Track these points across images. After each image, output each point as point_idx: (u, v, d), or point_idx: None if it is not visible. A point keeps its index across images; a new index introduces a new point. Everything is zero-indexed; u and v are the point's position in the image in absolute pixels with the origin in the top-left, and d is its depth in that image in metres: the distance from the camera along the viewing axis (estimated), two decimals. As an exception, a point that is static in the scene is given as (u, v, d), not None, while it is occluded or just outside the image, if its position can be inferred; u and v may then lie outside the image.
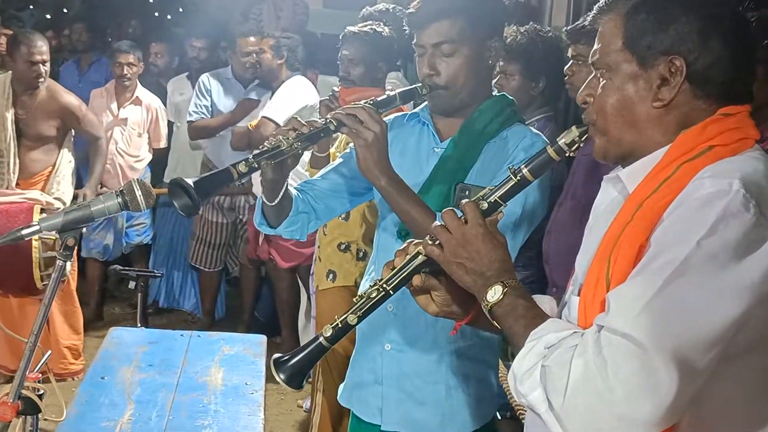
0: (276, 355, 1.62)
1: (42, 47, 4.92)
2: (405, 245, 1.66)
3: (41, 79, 4.92)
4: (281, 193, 2.23)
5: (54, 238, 4.23)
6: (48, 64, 4.98)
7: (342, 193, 2.44)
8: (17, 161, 4.93)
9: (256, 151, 2.06)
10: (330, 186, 2.43)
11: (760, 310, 1.32)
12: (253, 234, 5.49)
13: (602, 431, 1.29)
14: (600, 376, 1.27)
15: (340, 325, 1.61)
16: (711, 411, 1.38)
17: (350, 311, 1.61)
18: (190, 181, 1.90)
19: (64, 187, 5.08)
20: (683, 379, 1.26)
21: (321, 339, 1.61)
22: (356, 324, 1.62)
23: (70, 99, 5.15)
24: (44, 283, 4.61)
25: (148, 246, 6.41)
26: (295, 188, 2.37)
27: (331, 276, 3.88)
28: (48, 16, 9.60)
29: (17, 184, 4.95)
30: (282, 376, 1.59)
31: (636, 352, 1.26)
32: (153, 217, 6.34)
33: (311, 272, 4.30)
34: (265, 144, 2.06)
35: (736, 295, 1.30)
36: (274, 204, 2.24)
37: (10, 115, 4.89)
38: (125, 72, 5.89)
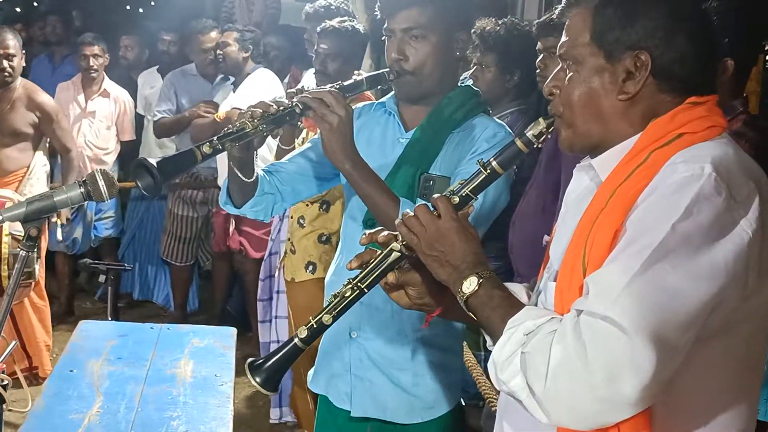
0: (250, 359, 1.62)
1: (7, 41, 4.92)
2: (370, 233, 1.67)
3: (5, 74, 4.91)
4: (252, 173, 2.24)
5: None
6: (16, 59, 4.97)
7: (309, 177, 2.46)
8: None
9: (220, 133, 2.06)
10: (297, 169, 2.44)
11: (732, 291, 1.36)
12: (221, 225, 5.48)
13: (584, 413, 1.31)
14: (579, 359, 1.29)
15: (315, 326, 1.62)
16: (684, 391, 1.42)
17: (325, 311, 1.62)
18: (153, 162, 1.91)
19: (37, 189, 5.07)
20: (662, 360, 1.28)
21: (296, 340, 1.61)
22: (331, 324, 1.63)
23: (47, 99, 5.17)
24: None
25: (118, 240, 6.39)
26: (262, 170, 2.38)
27: (311, 268, 3.89)
28: (18, 9, 9.50)
29: None
30: (258, 380, 1.59)
31: (616, 334, 1.28)
32: (122, 211, 6.31)
33: (279, 266, 4.30)
34: (230, 126, 2.07)
35: (711, 277, 1.33)
36: (243, 182, 2.25)
37: None
38: (91, 63, 5.86)
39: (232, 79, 5.85)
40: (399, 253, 1.62)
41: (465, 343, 2.81)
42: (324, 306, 1.64)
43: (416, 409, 2.38)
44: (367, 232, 1.68)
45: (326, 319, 1.62)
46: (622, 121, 1.52)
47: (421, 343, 2.37)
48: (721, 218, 1.36)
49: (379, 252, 1.65)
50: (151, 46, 6.73)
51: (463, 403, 2.53)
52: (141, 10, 10.10)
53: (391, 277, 1.64)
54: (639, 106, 1.51)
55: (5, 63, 4.90)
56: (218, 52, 5.52)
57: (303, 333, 1.61)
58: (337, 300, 1.63)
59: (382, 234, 1.66)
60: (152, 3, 9.98)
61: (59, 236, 5.43)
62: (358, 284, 1.63)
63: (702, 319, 1.34)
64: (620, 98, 1.51)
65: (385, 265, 1.63)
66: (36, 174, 5.14)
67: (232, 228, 5.28)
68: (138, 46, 6.67)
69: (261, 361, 1.61)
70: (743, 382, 1.50)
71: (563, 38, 1.59)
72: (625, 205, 1.43)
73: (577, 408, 1.31)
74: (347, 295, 1.63)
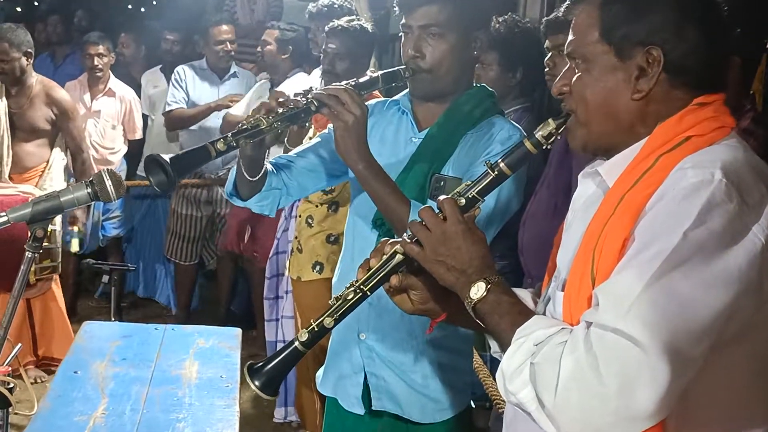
0: (250, 362, 1.60)
1: (8, 43, 4.96)
2: (380, 245, 1.64)
3: (4, 74, 4.96)
4: (261, 171, 2.23)
5: (50, 229, 4.20)
6: (16, 62, 4.99)
7: (318, 173, 2.43)
8: (10, 153, 4.99)
9: (234, 130, 2.04)
10: (306, 165, 2.42)
11: (747, 299, 1.33)
12: (235, 228, 5.43)
13: (596, 427, 1.29)
14: (592, 372, 1.27)
15: (316, 329, 1.58)
16: (699, 400, 1.39)
17: (326, 314, 1.59)
18: (166, 158, 1.89)
19: (56, 184, 5.10)
20: (676, 371, 1.25)
21: (296, 344, 1.58)
22: (333, 327, 1.59)
23: (65, 96, 5.23)
24: (37, 277, 4.59)
25: (122, 239, 6.37)
26: (269, 163, 2.36)
27: (318, 268, 3.88)
28: (18, 9, 9.51)
29: (11, 178, 4.98)
30: (257, 383, 1.56)
31: (628, 347, 1.26)
32: (129, 210, 6.29)
33: (285, 265, 4.28)
34: (244, 122, 2.05)
35: (725, 285, 1.30)
36: (252, 177, 2.23)
37: (2, 107, 4.95)
38: (96, 63, 5.84)
39: (240, 76, 5.87)
40: (403, 256, 1.58)
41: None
42: (326, 309, 1.60)
43: (428, 408, 2.36)
44: (372, 256, 1.64)
45: (328, 322, 1.59)
46: (637, 122, 1.49)
47: (430, 345, 2.35)
48: (733, 224, 1.33)
49: (382, 254, 1.61)
50: (153, 45, 6.72)
51: (473, 405, 2.51)
52: (143, 9, 10.10)
53: (394, 280, 1.60)
54: (653, 106, 1.48)
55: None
56: (227, 47, 5.57)
57: (304, 336, 1.58)
58: (339, 303, 1.60)
59: (389, 243, 1.62)
60: (154, 2, 9.97)
61: (74, 247, 5.44)
62: (361, 287, 1.60)
63: (717, 329, 1.31)
64: (634, 97, 1.48)
65: (389, 267, 1.59)
66: (55, 169, 5.18)
67: (247, 235, 5.22)
68: (135, 43, 6.66)
69: (260, 364, 1.58)
70: (760, 390, 1.45)
71: (570, 36, 1.55)
72: (633, 213, 1.40)
73: (589, 421, 1.29)
74: (349, 297, 1.59)
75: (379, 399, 2.38)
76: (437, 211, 1.56)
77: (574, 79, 1.54)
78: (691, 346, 1.28)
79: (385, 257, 1.60)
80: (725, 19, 1.50)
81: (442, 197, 1.57)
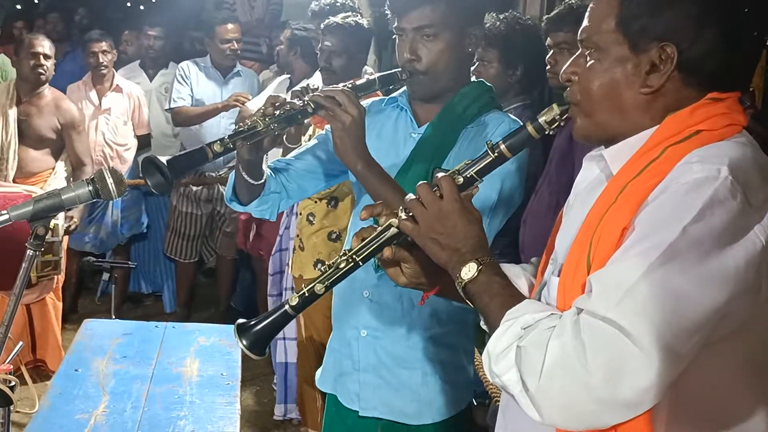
0: (240, 321, 1.59)
1: (45, 42, 5.09)
2: (371, 207, 1.64)
3: (43, 74, 5.04)
4: (261, 175, 2.22)
5: (53, 225, 4.18)
6: (51, 61, 5.10)
7: (317, 174, 2.43)
8: (16, 158, 5.04)
9: (231, 132, 2.04)
10: (305, 167, 2.42)
11: (744, 298, 1.32)
12: (244, 226, 5.43)
13: (578, 413, 1.28)
14: (578, 359, 1.26)
15: (306, 294, 1.58)
16: (692, 395, 1.38)
17: (318, 280, 1.59)
18: (163, 159, 1.90)
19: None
20: (664, 365, 1.25)
21: (287, 307, 1.58)
22: (323, 293, 1.59)
23: (73, 107, 5.28)
24: (38, 273, 4.59)
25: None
26: (268, 166, 2.35)
27: (319, 265, 3.88)
28: (18, 7, 9.51)
29: (14, 182, 5.00)
30: (245, 342, 1.56)
31: (617, 336, 1.25)
32: (143, 207, 6.27)
33: (287, 262, 4.28)
34: (241, 125, 2.05)
35: (720, 283, 1.29)
36: (251, 182, 2.23)
37: (13, 113, 5.02)
38: (101, 60, 5.81)
39: (243, 75, 5.86)
40: (397, 229, 1.57)
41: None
42: (318, 275, 1.60)
43: (425, 410, 2.35)
44: (367, 206, 1.65)
45: (318, 288, 1.58)
46: (643, 115, 1.48)
47: (431, 342, 2.34)
48: (734, 223, 1.31)
49: (378, 226, 1.61)
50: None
51: (474, 404, 2.51)
52: (142, 8, 10.11)
53: (387, 252, 1.59)
54: (662, 101, 1.46)
55: (43, 61, 5.02)
56: (234, 46, 5.63)
57: (294, 300, 1.58)
58: (331, 270, 1.59)
59: (385, 214, 1.61)
60: (153, 0, 9.98)
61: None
62: (354, 256, 1.59)
63: (709, 326, 1.30)
64: (643, 91, 1.46)
65: (383, 239, 1.58)
66: (60, 175, 5.20)
67: (252, 233, 5.23)
68: (137, 41, 6.65)
69: (251, 323, 1.58)
70: (752, 388, 1.44)
71: (585, 23, 1.53)
72: (635, 202, 1.39)
73: (571, 407, 1.29)
74: (342, 266, 1.59)
75: (369, 404, 2.37)
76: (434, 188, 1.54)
77: (583, 66, 1.52)
78: (682, 342, 1.27)
79: (379, 229, 1.59)
80: (749, 22, 1.46)
81: (440, 174, 1.55)
